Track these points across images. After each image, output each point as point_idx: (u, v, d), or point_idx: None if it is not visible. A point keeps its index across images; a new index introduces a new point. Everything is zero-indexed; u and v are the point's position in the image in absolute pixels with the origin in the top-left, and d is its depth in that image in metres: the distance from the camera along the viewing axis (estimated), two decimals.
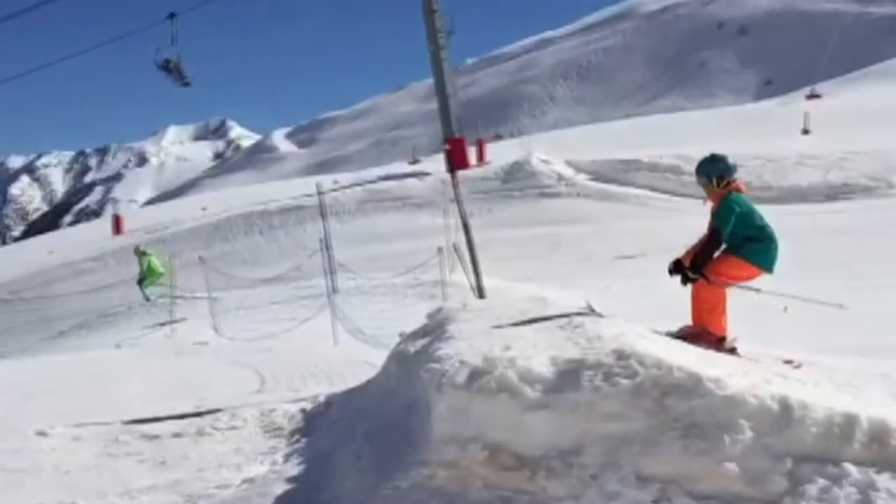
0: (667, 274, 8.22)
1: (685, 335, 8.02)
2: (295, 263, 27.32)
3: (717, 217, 8.03)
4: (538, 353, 5.54)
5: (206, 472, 7.08)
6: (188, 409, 9.95)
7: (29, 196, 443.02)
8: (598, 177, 36.82)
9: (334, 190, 40.26)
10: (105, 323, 23.40)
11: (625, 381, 5.05)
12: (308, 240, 32.81)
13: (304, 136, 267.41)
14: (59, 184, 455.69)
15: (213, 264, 27.03)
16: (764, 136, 37.27)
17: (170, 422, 9.28)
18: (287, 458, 7.10)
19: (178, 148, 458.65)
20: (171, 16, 13.55)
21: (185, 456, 7.87)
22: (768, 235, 8.15)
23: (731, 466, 4.60)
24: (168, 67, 14.63)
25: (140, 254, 25.82)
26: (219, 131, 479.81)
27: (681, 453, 4.72)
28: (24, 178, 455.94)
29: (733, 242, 8.09)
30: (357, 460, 5.97)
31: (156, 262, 25.46)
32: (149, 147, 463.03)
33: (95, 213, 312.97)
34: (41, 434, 9.30)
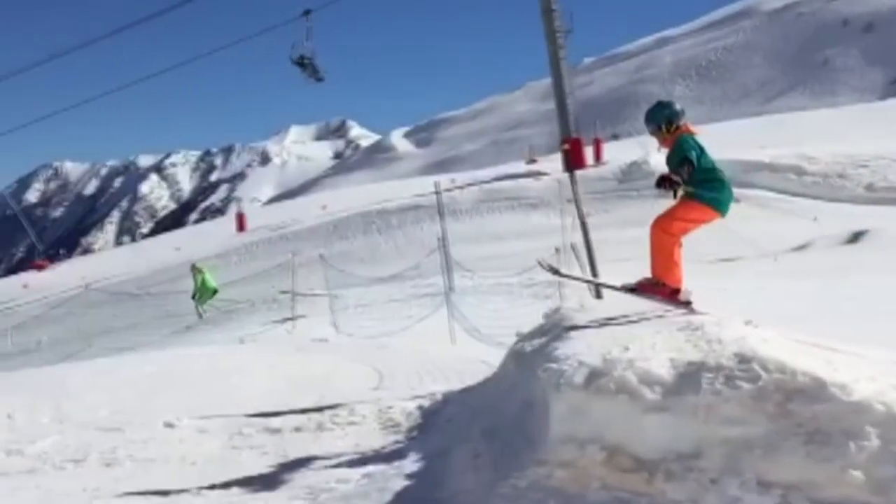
0: (655, 187, 8.00)
1: (640, 286, 8.04)
2: (412, 262, 27.56)
3: (677, 155, 7.97)
4: (657, 355, 5.49)
5: (327, 466, 7.21)
6: (308, 404, 10.14)
7: (157, 194, 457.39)
8: None
9: (451, 190, 40.48)
10: (228, 318, 24.01)
11: (746, 385, 4.97)
12: (425, 238, 33.09)
13: (421, 135, 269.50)
14: (186, 182, 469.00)
15: (332, 262, 27.49)
16: (890, 136, 36.06)
17: (291, 416, 9.49)
18: (405, 454, 7.18)
19: (299, 147, 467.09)
20: (307, 12, 13.88)
21: (305, 450, 8.03)
22: (720, 178, 8.15)
23: (857, 474, 4.48)
24: (302, 63, 14.98)
25: (196, 271, 26.27)
26: (339, 131, 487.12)
27: (804, 459, 4.62)
28: (153, 177, 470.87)
29: (695, 181, 8.01)
30: (475, 458, 6.01)
31: (209, 280, 25.87)
32: (271, 147, 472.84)
33: (220, 211, 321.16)
34: (169, 425, 9.62)
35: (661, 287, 7.96)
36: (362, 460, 7.25)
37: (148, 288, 32.54)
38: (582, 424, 5.15)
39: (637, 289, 8.08)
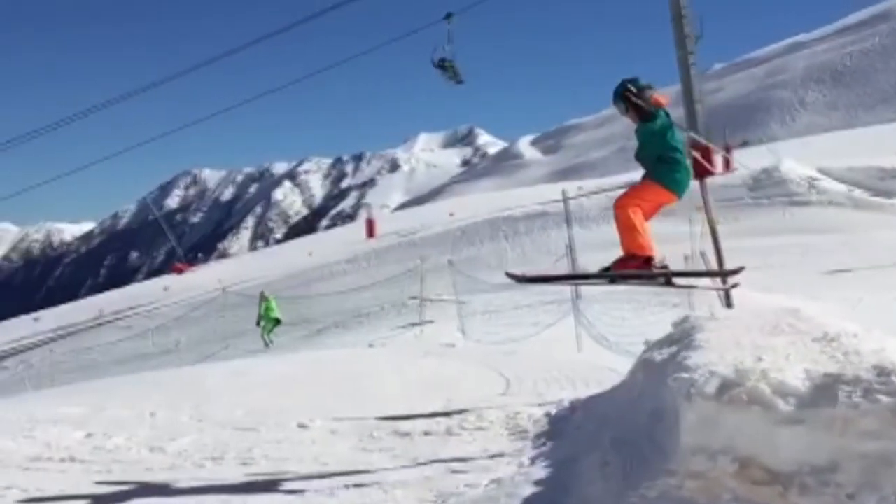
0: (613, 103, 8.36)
1: (614, 265, 8.08)
2: (539, 269, 27.54)
3: (658, 129, 8.09)
4: (791, 366, 5.38)
5: (455, 470, 7.28)
6: (437, 408, 10.26)
7: (290, 200, 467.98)
8: (851, 184, 35.11)
9: (578, 197, 40.27)
10: (359, 322, 24.43)
11: (886, 399, 4.83)
12: (551, 245, 33.03)
13: (549, 142, 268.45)
14: (318, 189, 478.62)
15: (459, 268, 27.66)
16: None
17: (420, 420, 9.62)
18: (533, 460, 7.20)
19: (428, 155, 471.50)
20: (448, 15, 14.06)
21: (434, 454, 8.12)
22: (678, 158, 8.14)
23: None
24: (444, 66, 15.17)
25: (262, 298, 26.54)
26: (467, 139, 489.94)
27: None
28: (287, 184, 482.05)
29: (648, 160, 8.18)
30: (603, 466, 6.00)
31: (273, 308, 26.08)
32: (401, 154, 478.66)
33: (350, 217, 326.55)
34: (302, 426, 9.86)
35: (633, 260, 8.01)
36: (490, 465, 7.30)
37: (281, 292, 33.29)
38: (713, 435, 5.09)
39: (611, 268, 8.12)
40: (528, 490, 6.10)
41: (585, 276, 8.99)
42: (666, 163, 8.19)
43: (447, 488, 6.59)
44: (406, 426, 9.38)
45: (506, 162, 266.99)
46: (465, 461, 7.62)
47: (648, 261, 7.96)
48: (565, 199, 30.93)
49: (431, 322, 22.95)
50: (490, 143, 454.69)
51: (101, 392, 12.97)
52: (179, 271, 62.65)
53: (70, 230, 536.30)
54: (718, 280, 8.45)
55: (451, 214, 50.23)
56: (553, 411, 9.47)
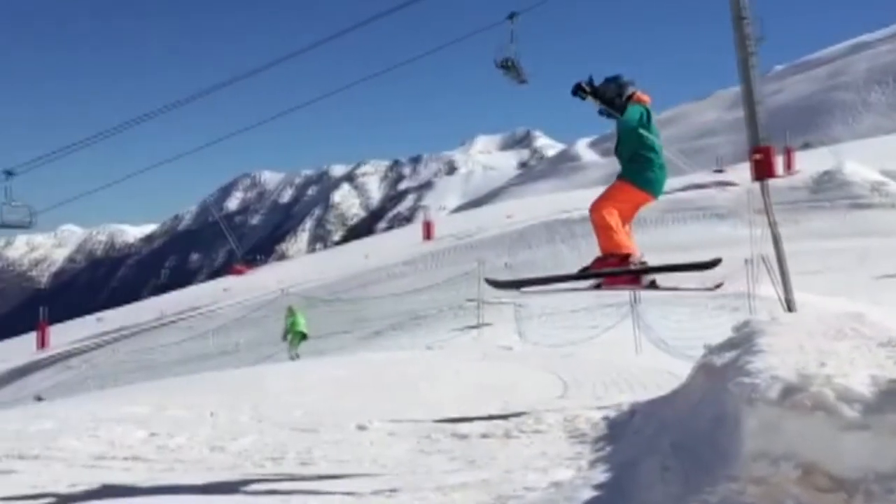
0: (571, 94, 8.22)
1: (592, 265, 8.17)
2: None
3: (632, 125, 8.13)
4: (856, 371, 5.30)
5: (514, 473, 7.27)
6: (495, 410, 10.26)
7: (349, 203, 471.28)
8: None
9: None
10: (416, 325, 24.50)
11: None
12: None
13: (607, 145, 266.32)
14: (376, 191, 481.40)
15: (516, 270, 27.65)
16: None
17: (478, 422, 9.63)
18: (592, 464, 7.17)
19: (485, 157, 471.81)
20: (512, 15, 14.05)
21: (492, 456, 8.13)
22: (651, 157, 8.17)
23: None
24: (507, 66, 15.17)
25: (289, 312, 26.52)
26: (524, 141, 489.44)
27: None
28: (345, 186, 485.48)
29: (622, 158, 8.23)
30: (664, 471, 5.95)
31: (298, 323, 26.05)
32: (458, 156, 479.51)
33: (407, 220, 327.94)
34: (360, 428, 9.92)
35: (611, 258, 8.08)
36: (549, 468, 7.28)
37: (339, 294, 33.55)
38: (776, 441, 5.04)
39: (591, 267, 8.19)
40: (588, 494, 6.07)
41: (566, 277, 8.98)
42: (637, 161, 8.25)
43: (506, 491, 6.59)
44: (464, 428, 9.39)
45: (563, 164, 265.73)
46: (524, 464, 7.61)
47: (626, 258, 8.03)
48: None
49: (489, 325, 22.95)
50: (548, 145, 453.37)
51: (164, 392, 13.17)
52: (239, 273, 63.32)
53: (133, 232, 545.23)
54: (706, 283, 8.47)
55: (509, 217, 50.19)
56: (612, 415, 9.43)
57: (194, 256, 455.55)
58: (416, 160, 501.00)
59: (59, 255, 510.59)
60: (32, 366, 39.19)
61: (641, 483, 6.09)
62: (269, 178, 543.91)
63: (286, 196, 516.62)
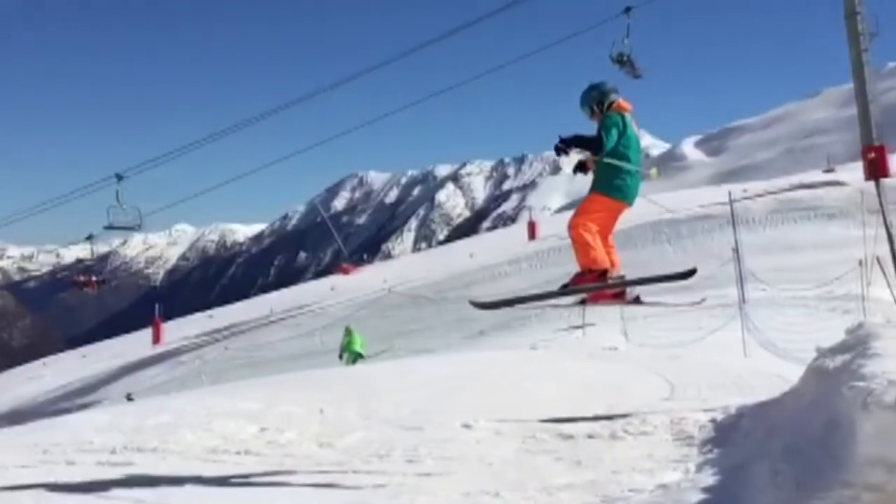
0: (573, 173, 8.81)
1: (571, 281, 8.39)
2: (703, 272, 27.02)
3: (601, 129, 8.22)
4: None
5: (620, 474, 7.24)
6: (600, 411, 10.22)
7: (453, 202, 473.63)
8: None
9: (744, 199, 39.27)
10: (521, 325, 24.49)
11: None
12: (715, 248, 32.32)
13: (713, 144, 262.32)
14: (480, 191, 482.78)
15: (622, 270, 27.43)
16: None
17: (583, 423, 9.60)
18: (699, 467, 7.10)
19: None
20: (628, 9, 13.96)
21: (598, 457, 8.10)
22: (621, 167, 8.28)
23: None
24: (622, 61, 15.04)
25: (347, 333, 26.45)
26: None
27: None
28: (450, 186, 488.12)
29: (596, 164, 8.35)
30: (774, 475, 5.86)
31: (354, 343, 25.95)
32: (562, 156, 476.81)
33: (511, 219, 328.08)
34: (466, 426, 9.98)
35: (589, 274, 8.28)
36: (655, 470, 7.23)
37: (444, 293, 33.73)
38: (892, 447, 4.93)
39: (570, 284, 8.40)
40: (696, 497, 6.02)
41: (548, 295, 9.07)
42: (608, 169, 8.36)
43: (612, 492, 6.57)
44: (569, 429, 9.38)
45: (668, 163, 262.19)
46: (630, 466, 7.57)
47: (604, 273, 8.20)
48: (731, 202, 30.23)
49: (593, 325, 22.82)
50: (653, 144, 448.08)
51: (273, 388, 13.45)
52: (345, 272, 64.07)
53: (243, 231, 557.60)
54: (689, 297, 8.69)
55: None
56: (719, 417, 9.31)
57: (302, 255, 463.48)
58: (520, 160, 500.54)
59: (173, 254, 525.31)
60: (147, 361, 40.39)
61: (751, 487, 6.01)
62: (376, 178, 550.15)
63: (392, 196, 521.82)
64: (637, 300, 8.50)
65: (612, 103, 8.51)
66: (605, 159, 8.38)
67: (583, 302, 8.60)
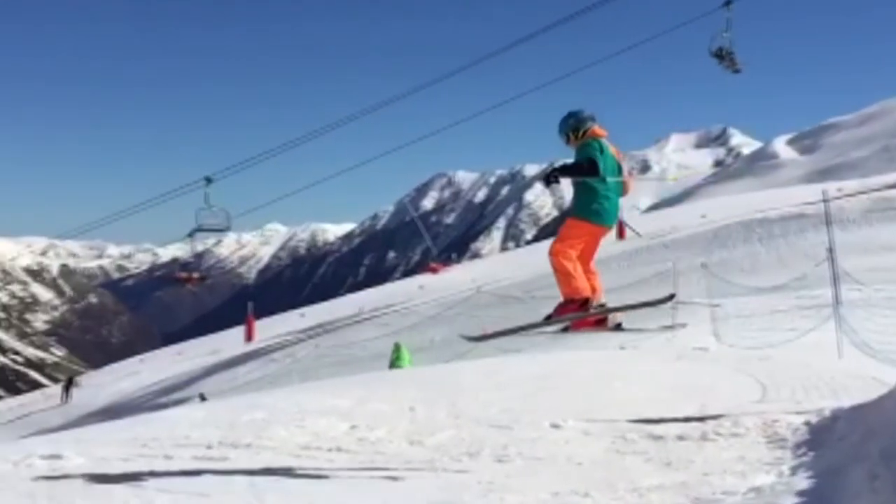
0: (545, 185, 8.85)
1: (554, 312, 8.46)
2: (795, 272, 26.53)
3: (579, 156, 8.50)
4: None
5: (711, 476, 7.19)
6: (691, 412, 10.13)
7: (541, 202, 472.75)
8: None
9: (838, 198, 38.45)
10: None
11: None
12: (808, 248, 31.69)
13: (806, 142, 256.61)
14: (569, 190, 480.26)
15: (712, 271, 27.06)
16: None
17: (673, 424, 9.53)
18: (793, 470, 7.01)
19: (679, 156, 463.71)
20: (728, 2, 13.80)
21: (689, 459, 8.05)
22: (595, 189, 8.50)
23: None
24: (721, 55, 14.88)
25: (396, 349, 26.26)
26: (720, 139, 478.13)
27: None
28: (538, 185, 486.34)
29: (574, 188, 8.62)
30: (872, 479, 5.77)
31: (404, 357, 25.78)
32: (651, 154, 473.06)
33: None
34: (555, 426, 10.00)
35: (571, 304, 8.37)
36: (748, 473, 7.16)
37: (532, 292, 33.67)
38: None
39: (553, 314, 8.52)
40: (790, 500, 5.95)
41: (532, 326, 9.19)
42: (584, 194, 8.61)
43: (704, 494, 6.53)
44: (659, 430, 9.32)
45: (760, 162, 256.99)
46: (721, 468, 7.51)
47: (586, 302, 8.31)
48: (825, 201, 29.63)
49: (684, 325, 22.48)
50: (744, 143, 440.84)
51: (364, 386, 13.62)
52: (434, 271, 64.33)
53: (333, 230, 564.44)
54: (669, 321, 8.79)
55: (703, 216, 49.14)
56: (813, 420, 9.16)
57: (391, 255, 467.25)
58: None
59: (265, 253, 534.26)
60: (240, 358, 41.14)
61: (848, 491, 5.92)
62: (464, 177, 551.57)
63: (480, 195, 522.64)
64: (618, 327, 8.68)
65: (587, 130, 8.74)
66: (596, 182, 8.64)
67: (566, 329, 8.74)
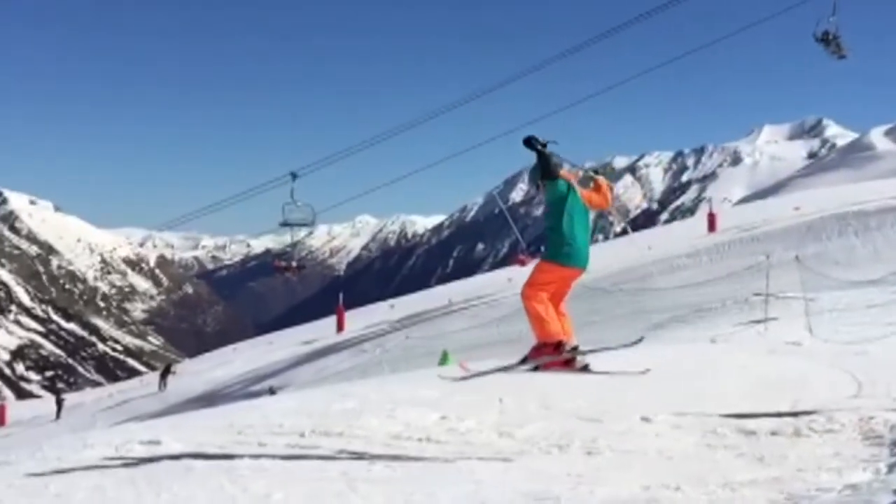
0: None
1: (528, 355, 8.89)
2: (893, 266, 25.91)
3: (553, 200, 9.13)
4: None
5: (805, 473, 7.12)
6: (783, 407, 10.00)
7: (630, 194, 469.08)
8: None
9: None
10: (699, 317, 24.04)
11: None
12: None
13: None
14: (658, 183, 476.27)
15: (807, 264, 26.58)
16: None
17: (765, 419, 9.41)
18: (890, 468, 6.90)
19: (772, 147, 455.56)
20: None
21: (782, 455, 7.96)
22: (562, 232, 9.03)
23: None
24: (826, 40, 14.60)
25: (444, 356, 26.08)
26: (814, 130, 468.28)
27: None
28: (627, 178, 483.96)
29: (546, 230, 9.06)
30: None
31: (450, 362, 25.56)
32: (743, 146, 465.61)
33: (690, 211, 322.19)
34: (645, 420, 9.95)
35: (545, 347, 8.90)
36: (843, 470, 7.07)
37: (620, 284, 33.47)
38: None
39: (528, 358, 8.97)
40: (888, 499, 5.86)
41: (507, 367, 9.48)
42: (554, 238, 9.14)
43: (798, 491, 6.47)
44: (751, 424, 9.22)
45: (856, 154, 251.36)
46: (816, 464, 7.42)
47: (559, 346, 8.81)
48: None
49: (776, 319, 22.11)
50: (839, 134, 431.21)
51: (454, 377, 13.70)
52: (522, 263, 64.07)
53: (422, 222, 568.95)
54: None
55: (797, 209, 48.24)
56: None
57: (480, 247, 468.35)
58: (699, 151, 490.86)
59: (356, 245, 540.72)
60: (331, 348, 41.71)
61: None
62: None
63: None
64: (585, 368, 9.04)
65: (556, 176, 9.23)
66: (547, 233, 9.32)
67: (536, 368, 9.15)
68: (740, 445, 8.55)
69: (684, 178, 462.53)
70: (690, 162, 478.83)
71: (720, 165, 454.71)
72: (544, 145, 9.24)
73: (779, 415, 9.53)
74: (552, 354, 8.71)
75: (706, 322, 23.24)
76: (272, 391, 29.50)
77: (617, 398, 11.23)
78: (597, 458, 8.63)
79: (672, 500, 6.60)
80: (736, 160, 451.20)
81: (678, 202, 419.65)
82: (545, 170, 9.04)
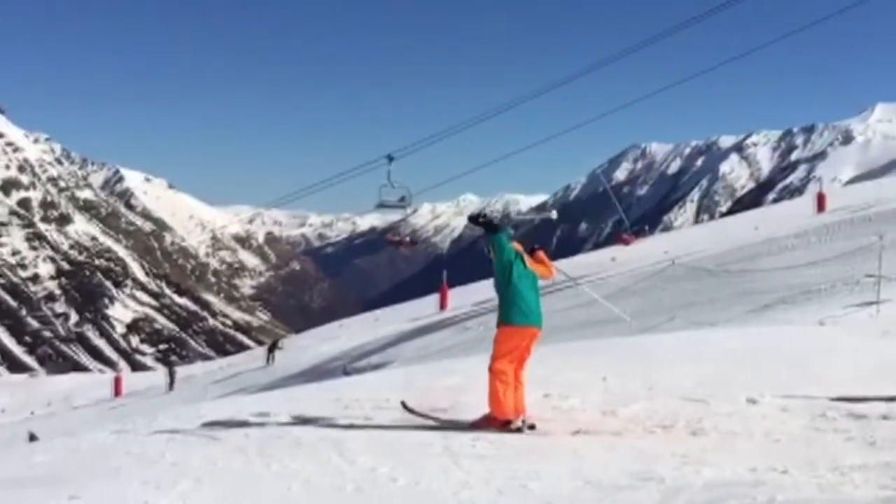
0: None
1: (476, 422, 9.39)
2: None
3: (502, 265, 9.62)
4: None
5: None
6: (894, 391, 9.80)
7: (737, 174, 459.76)
8: None
9: None
10: (806, 299, 23.48)
11: None
12: None
13: None
14: (766, 162, 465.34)
15: None
16: None
17: (877, 403, 9.23)
18: None
19: (885, 126, 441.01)
20: None
21: (894, 439, 7.83)
22: (512, 294, 9.43)
23: None
24: None
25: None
26: None
27: None
28: (734, 157, 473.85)
29: (498, 295, 9.65)
30: None
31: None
32: (855, 125, 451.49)
33: (798, 191, 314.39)
34: (751, 401, 9.87)
35: (495, 420, 9.24)
36: None
37: (726, 265, 32.91)
38: None
39: (476, 423, 9.38)
40: None
41: (454, 426, 9.85)
42: (505, 302, 9.54)
43: None
44: (862, 408, 9.06)
45: None
46: None
47: (506, 423, 9.21)
48: None
49: (889, 301, 21.49)
50: None
51: (557, 355, 13.75)
52: (626, 242, 63.69)
53: (525, 201, 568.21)
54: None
55: None
56: None
57: (583, 226, 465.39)
58: (809, 130, 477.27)
59: (459, 223, 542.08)
60: (435, 325, 41.98)
61: None
62: (657, 149, 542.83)
63: (674, 167, 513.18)
64: (518, 431, 9.39)
65: (503, 244, 9.69)
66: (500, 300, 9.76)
67: (472, 426, 9.55)
68: (851, 429, 8.42)
69: (793, 157, 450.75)
70: (799, 141, 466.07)
71: (830, 144, 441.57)
72: (484, 216, 9.95)
73: (891, 399, 9.33)
74: (498, 428, 9.21)
75: (814, 304, 22.67)
76: (346, 372, 29.79)
77: (723, 379, 11.14)
78: (702, 438, 8.61)
79: (779, 483, 6.57)
80: (847, 139, 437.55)
81: (786, 182, 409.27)
82: (490, 229, 9.72)
